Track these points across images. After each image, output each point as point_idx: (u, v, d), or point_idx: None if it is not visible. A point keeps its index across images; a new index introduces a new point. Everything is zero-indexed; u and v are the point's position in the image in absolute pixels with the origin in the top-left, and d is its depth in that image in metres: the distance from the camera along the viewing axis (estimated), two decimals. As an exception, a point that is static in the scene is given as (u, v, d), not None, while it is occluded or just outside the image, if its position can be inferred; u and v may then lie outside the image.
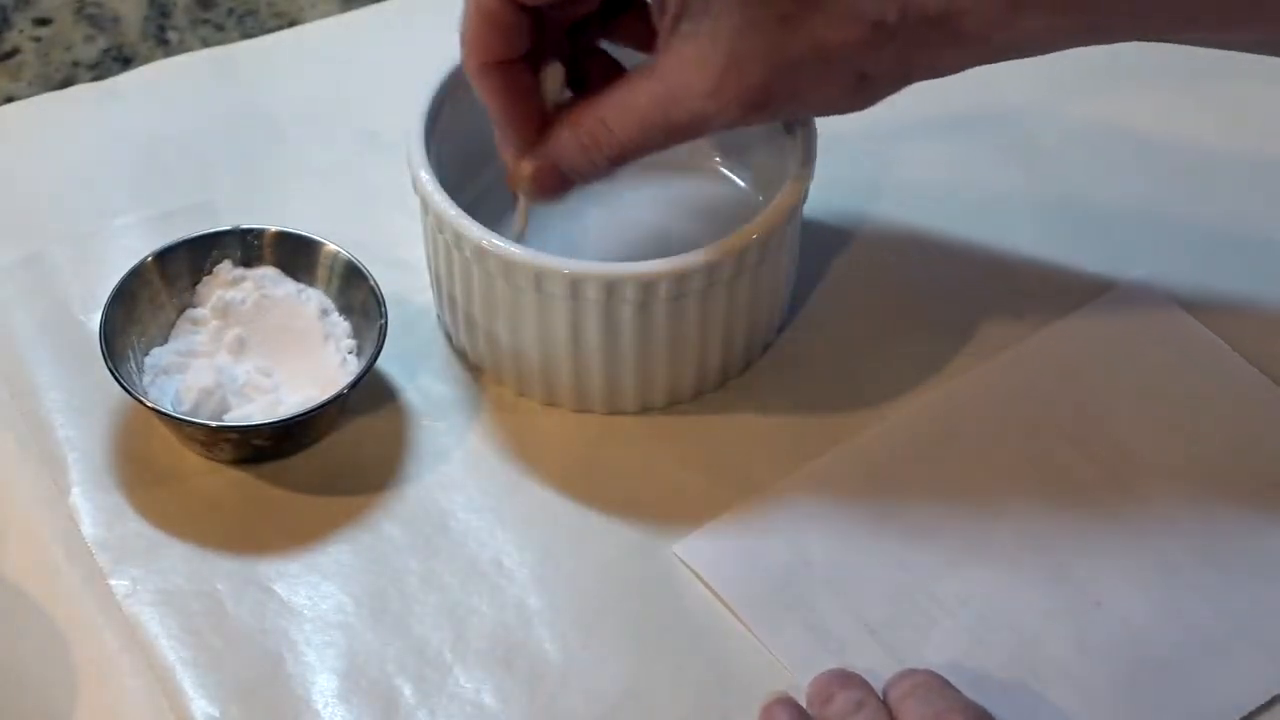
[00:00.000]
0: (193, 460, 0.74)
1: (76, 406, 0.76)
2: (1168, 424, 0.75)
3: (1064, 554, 0.71)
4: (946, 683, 0.65)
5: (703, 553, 0.71)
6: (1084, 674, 0.68)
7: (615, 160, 0.70)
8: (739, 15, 0.65)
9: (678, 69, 0.67)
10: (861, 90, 0.68)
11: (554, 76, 0.71)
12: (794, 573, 0.70)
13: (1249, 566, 0.71)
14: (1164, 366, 0.77)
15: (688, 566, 0.71)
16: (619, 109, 0.69)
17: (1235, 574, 0.71)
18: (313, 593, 0.71)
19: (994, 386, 0.76)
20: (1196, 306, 0.79)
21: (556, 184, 0.72)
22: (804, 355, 0.78)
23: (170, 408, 0.73)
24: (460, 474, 0.74)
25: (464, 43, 0.70)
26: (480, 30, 0.70)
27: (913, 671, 0.66)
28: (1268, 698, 0.68)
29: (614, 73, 0.73)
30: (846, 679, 0.66)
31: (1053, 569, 0.71)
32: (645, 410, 0.76)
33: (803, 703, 0.66)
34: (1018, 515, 0.73)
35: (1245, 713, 0.68)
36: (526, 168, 0.72)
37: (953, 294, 0.80)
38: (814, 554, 0.71)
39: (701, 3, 0.66)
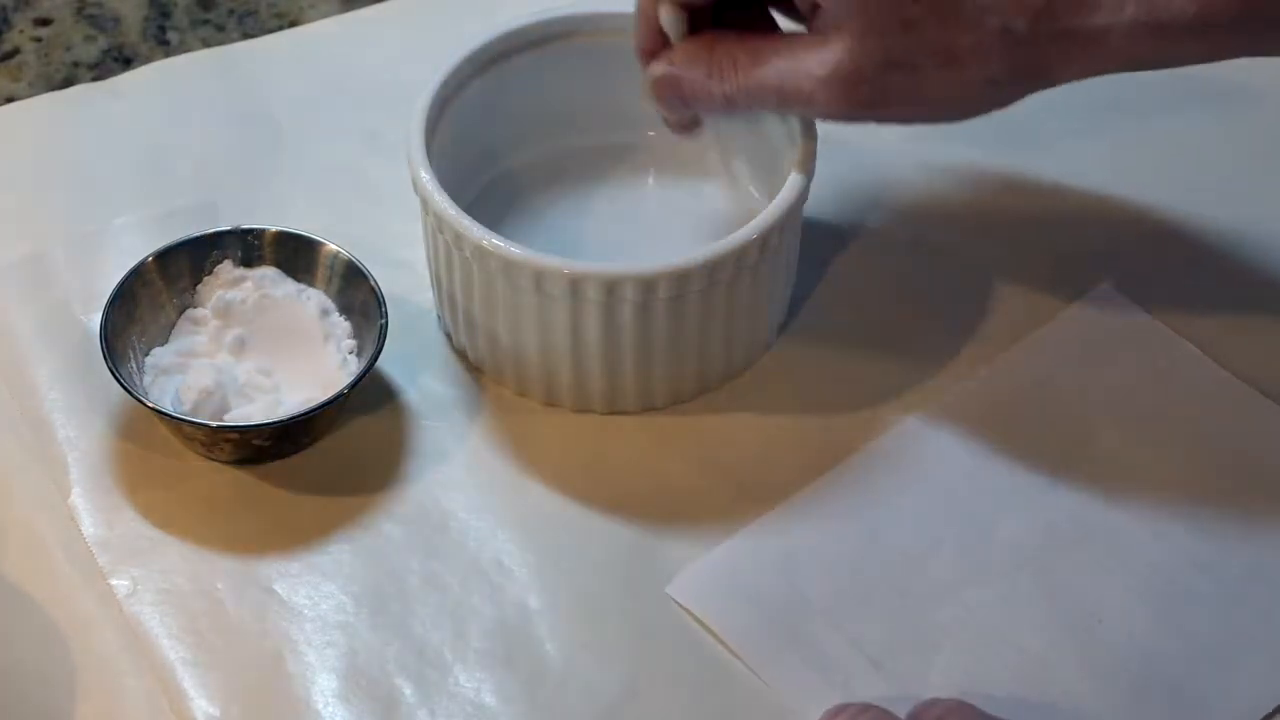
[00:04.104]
0: (193, 460, 0.74)
1: (76, 406, 0.76)
2: (1149, 433, 0.75)
3: (1060, 571, 0.71)
4: (976, 709, 0.64)
5: (697, 593, 0.70)
6: (1091, 691, 0.68)
7: (730, 98, 0.72)
8: (864, 17, 0.68)
9: (804, 48, 0.70)
10: (989, 95, 0.70)
11: (668, 16, 0.73)
12: (791, 608, 0.70)
13: (1242, 572, 0.71)
14: (1139, 375, 0.77)
15: (683, 608, 0.70)
16: (751, 56, 0.71)
17: (1229, 580, 0.71)
18: (313, 593, 0.71)
19: (973, 406, 0.76)
20: (1165, 312, 0.79)
21: (673, 95, 0.74)
22: (804, 355, 0.78)
23: (171, 408, 0.73)
24: (460, 474, 0.74)
25: None
26: None
27: (937, 700, 0.65)
28: (1274, 705, 0.68)
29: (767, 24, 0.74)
30: (864, 707, 0.65)
31: (1050, 586, 0.71)
32: (645, 410, 0.76)
33: None
34: (1009, 534, 0.72)
35: (1264, 713, 0.67)
36: (655, 69, 0.74)
37: (953, 294, 0.80)
38: (809, 587, 0.70)
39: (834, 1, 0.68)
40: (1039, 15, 0.67)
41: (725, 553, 0.72)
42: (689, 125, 0.77)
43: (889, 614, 0.70)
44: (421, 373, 0.77)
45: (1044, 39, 0.67)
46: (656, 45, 0.74)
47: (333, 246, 0.77)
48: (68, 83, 0.89)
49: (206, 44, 0.91)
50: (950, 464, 0.74)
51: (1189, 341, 0.78)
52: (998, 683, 0.68)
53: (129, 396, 0.73)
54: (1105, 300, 0.79)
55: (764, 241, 0.73)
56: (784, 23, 0.74)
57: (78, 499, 0.73)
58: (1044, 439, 0.75)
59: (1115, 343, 0.78)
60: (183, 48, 0.91)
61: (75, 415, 0.75)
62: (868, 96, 0.69)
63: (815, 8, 0.69)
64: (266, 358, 0.75)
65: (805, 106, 0.71)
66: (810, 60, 0.69)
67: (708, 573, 0.71)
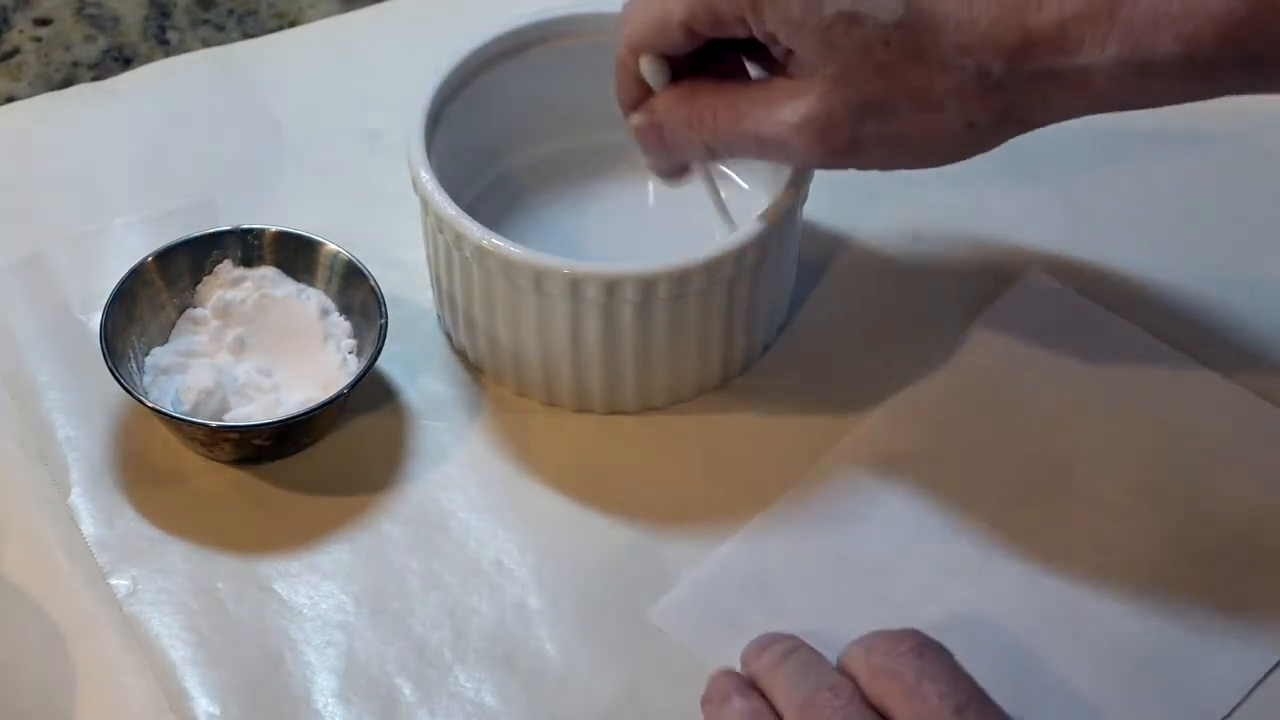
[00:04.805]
0: (193, 460, 0.74)
1: (76, 406, 0.76)
2: (1099, 414, 0.75)
3: (1033, 563, 0.71)
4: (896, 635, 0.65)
5: (680, 619, 0.70)
6: (1082, 676, 0.68)
7: (710, 147, 0.72)
8: (837, 63, 0.67)
9: (781, 94, 0.69)
10: (968, 139, 0.69)
11: (649, 66, 0.73)
12: (773, 627, 0.68)
13: (1209, 544, 0.72)
14: (1080, 357, 0.77)
15: (653, 643, 0.70)
16: (728, 104, 0.71)
17: (1198, 554, 0.71)
18: (313, 592, 0.71)
19: (925, 403, 0.76)
20: (1097, 294, 0.80)
21: (655, 143, 0.74)
22: (804, 355, 0.78)
23: (170, 408, 0.73)
24: (460, 474, 0.74)
25: (627, 23, 0.73)
26: (647, 32, 0.72)
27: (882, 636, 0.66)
28: (1264, 672, 0.68)
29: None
30: (782, 635, 0.66)
31: (1026, 579, 0.71)
32: (645, 410, 0.76)
33: None
34: (979, 531, 0.72)
35: (1248, 688, 0.68)
36: (636, 119, 0.74)
37: (952, 294, 0.80)
38: (789, 605, 0.70)
39: (808, 44, 0.68)
40: (1015, 56, 0.65)
41: (702, 577, 0.71)
42: (676, 172, 0.77)
43: (873, 622, 0.69)
44: (421, 373, 0.77)
45: (1022, 80, 0.66)
46: (638, 96, 0.74)
47: (333, 246, 0.77)
48: (68, 83, 0.89)
49: (206, 44, 0.91)
50: (912, 465, 0.74)
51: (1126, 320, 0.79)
52: (989, 678, 0.67)
53: (129, 396, 0.73)
54: (1038, 285, 0.80)
55: (764, 241, 0.73)
56: (756, 73, 0.73)
57: (78, 499, 0.73)
58: (999, 429, 0.75)
59: (1056, 326, 0.78)
60: (183, 48, 0.91)
61: (75, 415, 0.75)
62: (844, 142, 0.68)
63: (789, 53, 0.69)
64: (266, 358, 0.76)
65: (783, 153, 0.71)
66: (785, 108, 0.69)
67: (688, 599, 0.70)
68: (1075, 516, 0.73)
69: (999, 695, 0.65)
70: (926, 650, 0.63)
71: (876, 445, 0.75)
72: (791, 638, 0.66)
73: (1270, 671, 0.68)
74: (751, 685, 0.65)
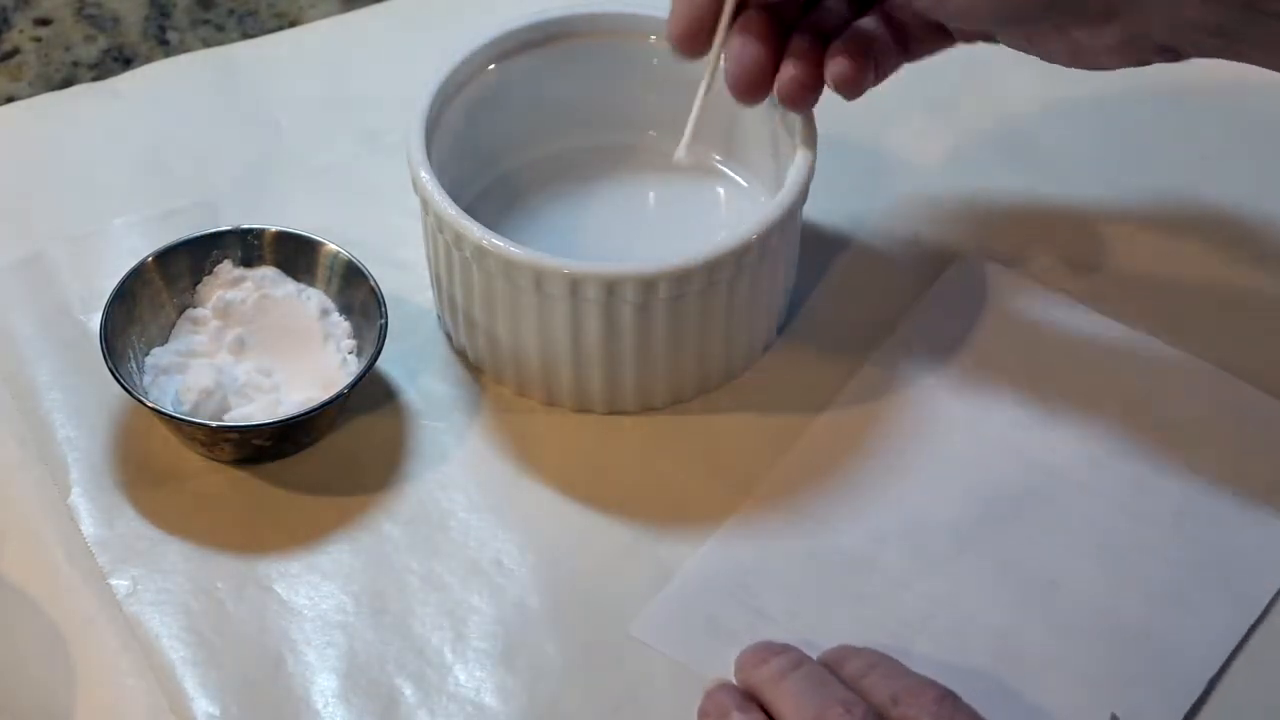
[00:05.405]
0: (193, 460, 0.74)
1: (76, 406, 0.76)
2: (1055, 391, 0.76)
3: (1004, 544, 0.72)
4: (898, 663, 0.65)
5: (662, 630, 0.70)
6: (1064, 654, 0.69)
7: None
8: None
9: None
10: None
11: None
12: (757, 630, 0.69)
13: (1171, 514, 0.72)
14: (1029, 334, 0.77)
15: (650, 646, 0.70)
16: None
17: (1163, 524, 0.72)
18: (313, 592, 0.71)
19: (877, 395, 0.76)
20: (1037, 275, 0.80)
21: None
22: (804, 355, 0.78)
23: (170, 408, 0.73)
24: (460, 474, 0.74)
25: None
26: None
27: (855, 651, 0.66)
28: (1240, 637, 0.69)
29: None
30: (780, 646, 0.66)
31: (999, 561, 0.71)
32: (645, 410, 0.76)
33: None
34: (947, 518, 0.72)
35: (1228, 653, 0.68)
36: (786, 72, 0.73)
37: (953, 294, 0.80)
38: (770, 606, 0.70)
39: None
40: None
41: (680, 588, 0.71)
42: (699, 24, 0.73)
43: (854, 619, 0.70)
44: (421, 373, 0.77)
45: None
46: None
47: (333, 246, 0.77)
48: (68, 83, 0.89)
49: (206, 44, 0.91)
50: (871, 458, 0.74)
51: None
52: (974, 664, 0.68)
53: (129, 396, 0.73)
54: (974, 266, 0.80)
55: (764, 241, 0.73)
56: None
57: (78, 499, 0.73)
58: (954, 417, 0.75)
59: (998, 306, 0.78)
60: (183, 48, 0.91)
61: (75, 415, 0.75)
62: None
63: None
64: (266, 358, 0.76)
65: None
66: None
67: (667, 611, 0.70)
68: (1038, 495, 0.73)
69: (989, 679, 0.65)
70: (946, 699, 0.63)
71: (832, 440, 0.75)
72: (793, 650, 0.66)
73: (1246, 637, 0.69)
74: (750, 698, 0.65)
